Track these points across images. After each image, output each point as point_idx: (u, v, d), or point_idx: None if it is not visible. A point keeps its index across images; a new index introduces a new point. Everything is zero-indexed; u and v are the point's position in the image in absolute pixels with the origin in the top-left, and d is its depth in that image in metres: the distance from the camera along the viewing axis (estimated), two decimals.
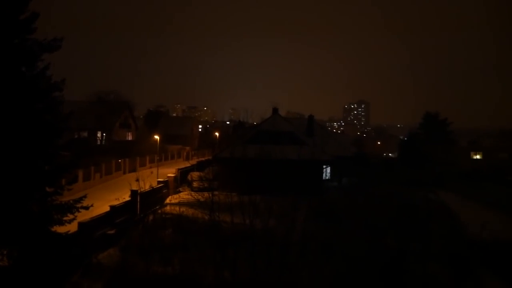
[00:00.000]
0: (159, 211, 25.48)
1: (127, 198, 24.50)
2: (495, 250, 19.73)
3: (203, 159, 53.60)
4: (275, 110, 42.79)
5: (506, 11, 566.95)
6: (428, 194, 34.71)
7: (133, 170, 44.23)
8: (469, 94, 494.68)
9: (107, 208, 22.02)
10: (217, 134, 75.73)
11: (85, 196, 15.69)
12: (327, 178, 43.78)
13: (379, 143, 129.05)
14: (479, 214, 28.72)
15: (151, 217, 23.66)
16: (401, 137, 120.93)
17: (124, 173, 43.83)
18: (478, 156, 69.60)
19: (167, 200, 30.26)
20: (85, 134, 57.49)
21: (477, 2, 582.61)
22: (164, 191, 31.19)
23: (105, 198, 27.41)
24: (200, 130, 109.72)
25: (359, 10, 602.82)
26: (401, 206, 20.56)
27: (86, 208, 15.51)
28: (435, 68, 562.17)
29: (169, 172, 37.33)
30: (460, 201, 37.00)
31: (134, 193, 24.40)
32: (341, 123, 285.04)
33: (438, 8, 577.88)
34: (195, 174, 37.84)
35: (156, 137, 45.78)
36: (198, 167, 42.03)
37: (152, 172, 37.81)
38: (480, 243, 18.50)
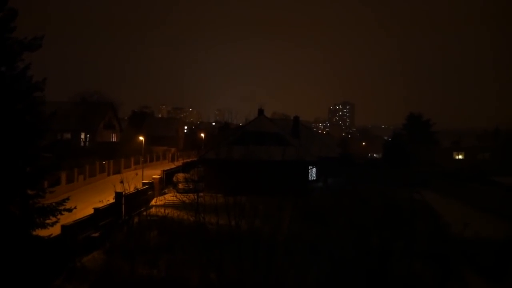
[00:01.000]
0: (144, 213, 25.23)
1: (112, 200, 24.23)
2: (477, 248, 20.08)
3: (188, 160, 53.32)
4: (260, 111, 42.86)
5: (498, 11, 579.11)
6: (412, 194, 35.09)
7: (118, 172, 43.77)
8: (452, 95, 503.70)
9: (91, 211, 21.75)
10: (202, 135, 75.46)
11: (68, 199, 15.47)
12: (313, 178, 44.02)
13: (364, 143, 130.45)
14: (462, 213, 29.17)
15: (136, 219, 23.40)
16: (386, 138, 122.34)
17: (109, 175, 43.37)
18: (460, 156, 70.75)
19: (153, 202, 30.03)
20: (68, 135, 56.73)
21: (466, 5, 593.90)
22: (149, 193, 30.95)
23: (89, 201, 27.06)
24: (185, 131, 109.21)
25: (345, 12, 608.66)
26: (385, 206, 20.74)
27: (69, 210, 15.28)
28: (419, 69, 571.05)
29: (154, 173, 37.07)
30: (444, 201, 37.55)
31: (118, 195, 24.14)
32: (327, 124, 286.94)
33: (425, 12, 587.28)
34: (180, 176, 37.60)
35: (141, 138, 45.39)
36: (184, 168, 41.79)
37: (137, 174, 37.48)
38: (463, 241, 18.78)
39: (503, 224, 27.50)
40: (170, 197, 30.41)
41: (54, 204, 14.80)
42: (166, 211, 24.51)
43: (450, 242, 19.33)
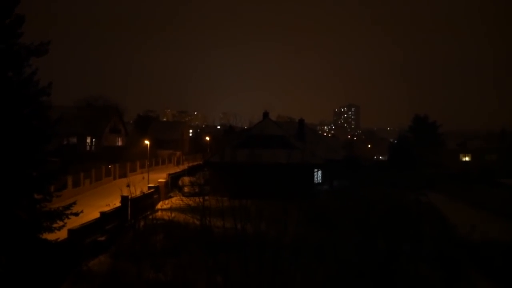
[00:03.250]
0: (150, 216, 25.25)
1: (118, 204, 24.30)
2: (485, 251, 19.93)
3: (194, 164, 53.43)
4: (265, 114, 42.89)
5: (499, 13, 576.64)
6: (419, 196, 35.00)
7: (124, 175, 43.97)
8: (458, 96, 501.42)
9: (97, 215, 21.83)
10: (208, 138, 75.59)
11: (74, 203, 15.54)
12: (318, 181, 43.94)
13: (369, 146, 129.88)
14: (469, 215, 29.00)
15: (142, 223, 23.44)
16: (391, 140, 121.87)
17: (114, 178, 43.52)
18: (467, 158, 70.30)
19: (158, 206, 30.09)
20: (74, 139, 56.97)
21: (468, 6, 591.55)
22: (155, 196, 31.01)
23: (95, 205, 27.16)
24: (190, 134, 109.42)
25: (349, 14, 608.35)
26: (392, 208, 20.64)
27: (76, 214, 15.36)
28: (424, 71, 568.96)
29: (160, 177, 37.13)
30: (451, 203, 37.33)
31: (124, 199, 24.21)
32: (332, 126, 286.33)
33: (428, 13, 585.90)
34: (186, 179, 37.68)
35: (147, 142, 45.54)
36: (189, 172, 41.87)
37: (143, 178, 37.62)
38: (470, 244, 18.66)
39: (510, 226, 27.28)
40: (175, 200, 30.45)
41: (61, 208, 14.88)
42: (172, 215, 24.53)
43: (457, 244, 19.21)
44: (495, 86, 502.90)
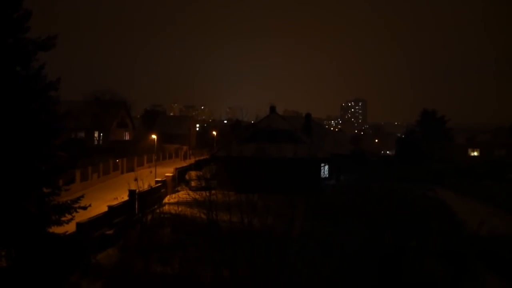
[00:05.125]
0: (158, 210, 25.36)
1: (125, 198, 24.44)
2: (493, 246, 19.77)
3: (200, 158, 53.53)
4: (272, 109, 42.77)
5: (502, 8, 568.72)
6: (427, 191, 34.76)
7: (131, 169, 44.18)
8: (466, 91, 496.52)
9: (105, 208, 21.97)
10: (214, 133, 75.63)
11: (82, 196, 15.64)
12: (325, 176, 43.82)
13: (376, 140, 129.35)
14: (478, 211, 28.74)
15: (149, 217, 23.56)
16: (399, 135, 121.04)
17: (122, 173, 43.76)
18: (475, 153, 69.67)
19: (165, 200, 30.19)
20: (82, 134, 57.35)
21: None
22: (162, 190, 31.12)
23: (103, 198, 27.34)
24: (197, 129, 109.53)
25: (354, 8, 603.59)
26: (399, 203, 20.53)
27: (84, 208, 15.47)
28: (431, 65, 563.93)
29: (167, 171, 37.26)
30: (459, 198, 37.06)
31: (132, 193, 24.34)
32: (339, 121, 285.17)
33: (434, 6, 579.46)
34: (193, 173, 37.78)
35: (154, 136, 45.67)
36: (196, 166, 41.96)
37: (151, 172, 37.77)
38: (478, 239, 18.50)
39: None
40: (182, 194, 30.50)
41: (69, 201, 14.99)
42: (179, 209, 24.60)
43: (465, 240, 19.07)
44: (505, 80, 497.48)
